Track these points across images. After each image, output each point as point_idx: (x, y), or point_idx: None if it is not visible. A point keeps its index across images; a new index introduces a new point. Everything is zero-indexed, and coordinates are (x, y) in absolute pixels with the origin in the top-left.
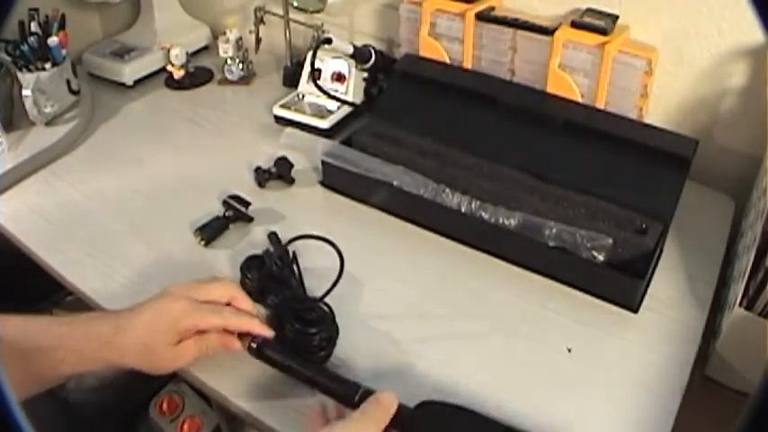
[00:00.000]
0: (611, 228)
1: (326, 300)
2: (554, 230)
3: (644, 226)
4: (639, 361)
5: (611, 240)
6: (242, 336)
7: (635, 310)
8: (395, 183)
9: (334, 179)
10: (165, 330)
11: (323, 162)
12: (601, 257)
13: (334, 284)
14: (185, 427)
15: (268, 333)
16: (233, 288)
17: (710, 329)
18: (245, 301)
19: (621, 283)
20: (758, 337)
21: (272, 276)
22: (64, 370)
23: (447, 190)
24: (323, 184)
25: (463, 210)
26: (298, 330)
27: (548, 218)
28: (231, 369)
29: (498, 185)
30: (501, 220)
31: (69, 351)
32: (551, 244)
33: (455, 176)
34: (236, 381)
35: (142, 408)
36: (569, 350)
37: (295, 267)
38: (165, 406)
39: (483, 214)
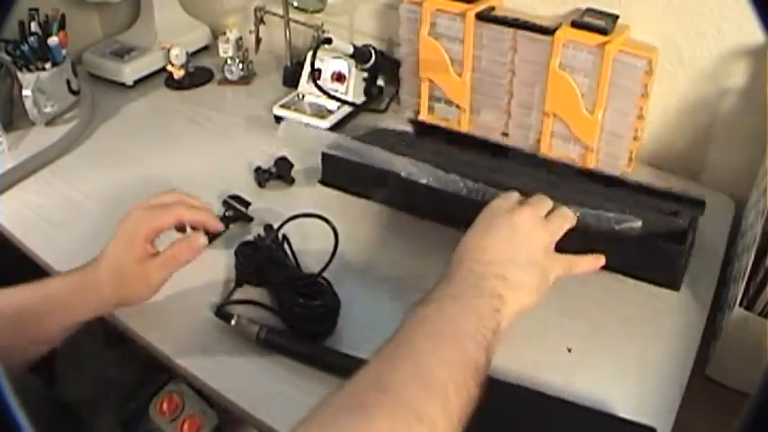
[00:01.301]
0: (638, 208)
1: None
2: (577, 214)
3: (675, 211)
4: (639, 361)
5: (640, 222)
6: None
7: (677, 287)
8: (402, 174)
9: (336, 173)
10: (127, 245)
11: (324, 155)
12: (630, 233)
13: (331, 259)
14: (185, 427)
15: (220, 226)
16: (180, 193)
17: (710, 329)
18: (194, 200)
19: (660, 255)
20: (758, 337)
21: (267, 259)
22: (55, 326)
23: (457, 178)
24: (323, 182)
25: (476, 197)
26: (302, 304)
27: (568, 202)
28: (232, 369)
29: (515, 180)
30: None
31: (56, 305)
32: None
33: (466, 169)
34: (236, 380)
35: (142, 408)
36: (569, 350)
37: (288, 248)
38: (165, 406)
39: (487, 199)
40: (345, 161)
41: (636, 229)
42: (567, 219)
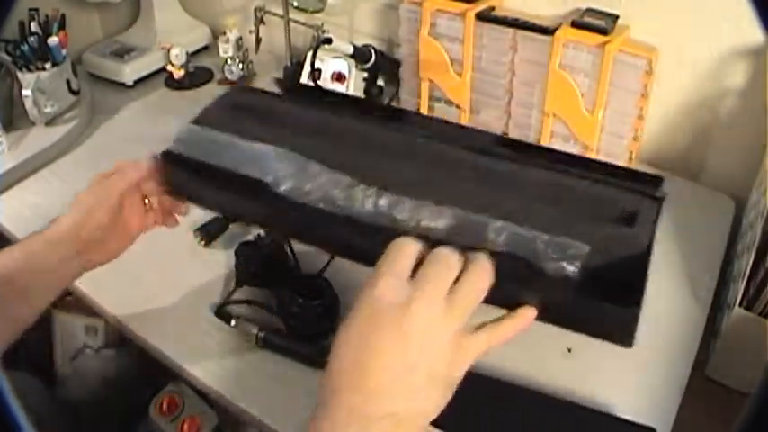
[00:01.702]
0: (583, 217)
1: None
2: (503, 236)
3: (631, 210)
4: (639, 361)
5: (587, 248)
6: None
7: (629, 344)
8: (268, 180)
9: (185, 178)
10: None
11: (163, 155)
12: (573, 268)
13: (331, 259)
14: (185, 427)
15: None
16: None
17: (710, 329)
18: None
19: (608, 314)
20: (758, 337)
21: (267, 259)
22: (27, 277)
23: (342, 181)
24: (171, 192)
25: (367, 209)
26: (301, 304)
27: (492, 214)
28: (232, 369)
29: (415, 170)
30: (424, 224)
31: (20, 260)
32: (500, 245)
33: (350, 160)
34: (236, 380)
35: (142, 408)
36: (569, 350)
37: (288, 248)
38: (165, 406)
39: (398, 216)
40: (192, 163)
41: (582, 256)
42: (480, 283)
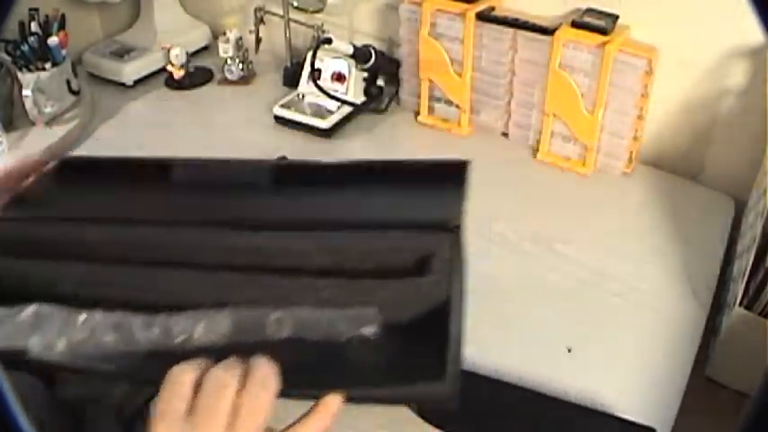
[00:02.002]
0: (370, 278)
1: None
2: (286, 324)
3: (424, 254)
4: (639, 361)
5: (379, 315)
6: None
7: (456, 406)
8: (45, 348)
9: None
10: None
11: None
12: (372, 330)
13: None
14: None
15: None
16: None
17: (710, 329)
18: None
19: (420, 391)
20: (758, 337)
21: None
22: None
23: (111, 321)
24: None
25: (143, 342)
26: None
27: (270, 303)
28: None
29: (184, 275)
30: (202, 339)
31: None
32: (286, 335)
33: (115, 288)
34: None
35: (142, 408)
36: (569, 350)
37: None
38: None
39: (176, 339)
40: None
41: (375, 322)
42: (262, 395)
